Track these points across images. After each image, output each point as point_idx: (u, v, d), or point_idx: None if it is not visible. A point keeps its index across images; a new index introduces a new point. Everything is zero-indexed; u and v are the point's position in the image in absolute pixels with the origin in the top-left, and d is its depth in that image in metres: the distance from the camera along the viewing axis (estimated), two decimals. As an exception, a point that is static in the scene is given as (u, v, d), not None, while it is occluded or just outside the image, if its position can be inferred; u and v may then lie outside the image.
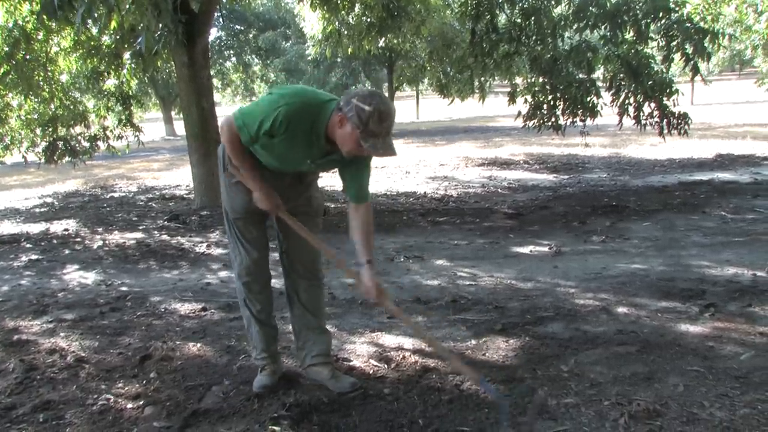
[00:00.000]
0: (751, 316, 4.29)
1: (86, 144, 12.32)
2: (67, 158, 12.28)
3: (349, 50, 12.68)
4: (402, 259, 6.42)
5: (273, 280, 3.61)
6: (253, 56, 36.97)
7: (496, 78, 14.52)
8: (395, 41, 14.11)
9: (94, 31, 10.36)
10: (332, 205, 9.81)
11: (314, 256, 3.51)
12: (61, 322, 4.86)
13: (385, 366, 3.69)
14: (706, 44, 8.44)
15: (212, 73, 14.93)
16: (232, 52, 36.30)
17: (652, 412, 3.01)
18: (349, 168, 3.14)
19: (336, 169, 3.24)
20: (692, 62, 8.59)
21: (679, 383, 3.31)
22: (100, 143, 12.47)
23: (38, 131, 12.04)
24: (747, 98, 34.70)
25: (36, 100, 11.52)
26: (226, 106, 41.03)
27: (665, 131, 9.40)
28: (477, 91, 17.15)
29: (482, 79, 14.14)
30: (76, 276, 6.38)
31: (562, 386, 3.35)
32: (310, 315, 3.55)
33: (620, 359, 3.67)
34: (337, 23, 12.29)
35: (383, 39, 12.98)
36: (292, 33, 34.99)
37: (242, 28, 35.85)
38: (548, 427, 2.94)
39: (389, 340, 4.16)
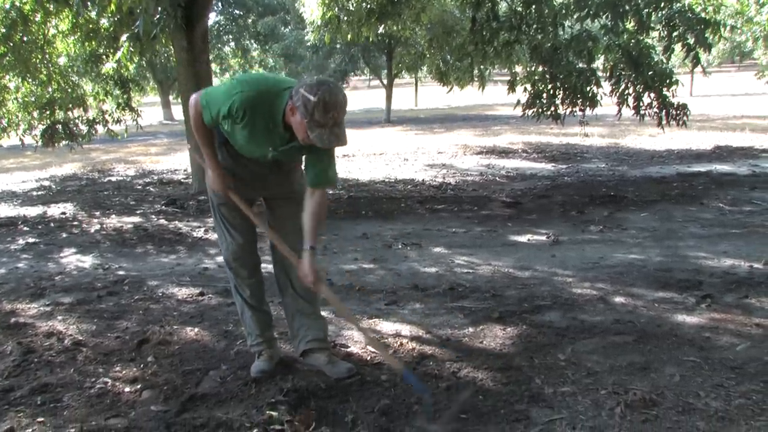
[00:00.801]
0: (748, 308, 4.30)
1: (84, 127, 12.28)
2: (64, 142, 12.24)
3: (348, 36, 12.63)
4: (400, 247, 6.42)
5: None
6: (252, 41, 36.78)
7: (495, 66, 14.48)
8: (395, 28, 14.05)
9: (93, 13, 10.30)
10: (330, 192, 9.79)
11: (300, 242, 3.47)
12: (59, 305, 4.86)
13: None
14: (707, 35, 8.41)
15: (211, 57, 14.88)
16: (230, 37, 36.12)
17: (648, 401, 3.02)
18: (312, 154, 3.14)
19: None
20: (693, 53, 8.57)
21: (676, 373, 3.32)
22: (98, 127, 12.44)
23: (35, 114, 11.99)
24: (746, 90, 34.68)
25: (33, 82, 11.47)
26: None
27: (664, 122, 9.39)
28: (476, 79, 17.13)
29: (482, 67, 14.12)
30: (73, 260, 6.37)
31: (559, 375, 3.36)
32: (304, 301, 3.53)
33: (617, 349, 3.68)
34: (336, 9, 12.23)
35: (383, 26, 12.92)
36: (292, 18, 34.79)
37: (241, 12, 35.67)
38: (545, 415, 2.95)
39: (387, 326, 4.16)
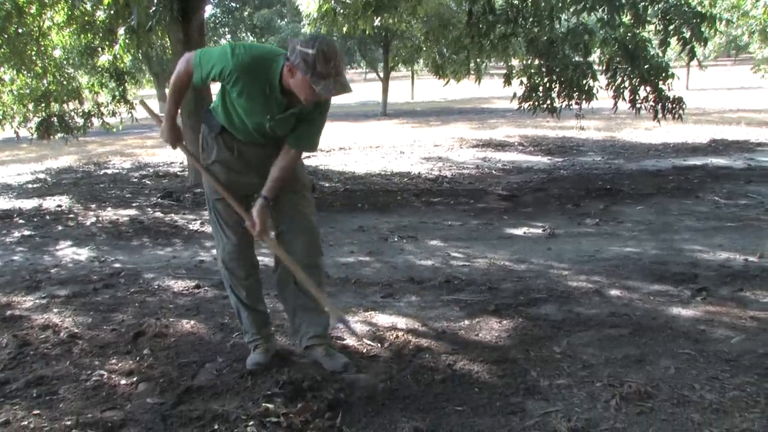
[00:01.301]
0: (742, 301, 4.32)
1: (80, 120, 12.25)
2: (60, 134, 12.21)
3: (344, 29, 12.60)
4: (396, 239, 6.43)
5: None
6: (248, 34, 36.73)
7: (492, 59, 14.47)
8: (391, 21, 14.02)
9: (88, 5, 10.27)
10: (326, 184, 9.81)
11: (311, 236, 3.43)
12: (54, 298, 4.86)
13: (379, 345, 3.70)
14: (703, 29, 8.42)
15: (207, 50, 14.83)
16: (227, 29, 36.08)
17: (644, 393, 3.03)
18: (304, 119, 3.15)
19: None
20: (689, 46, 8.58)
21: (671, 366, 3.34)
22: (93, 119, 12.40)
23: (30, 107, 11.94)
24: (742, 84, 34.72)
25: (28, 75, 11.42)
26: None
27: (660, 115, 9.40)
28: (473, 72, 17.11)
29: (478, 60, 14.11)
30: (69, 252, 6.37)
31: (555, 367, 3.37)
32: (306, 297, 3.48)
33: (612, 341, 3.69)
34: (332, 1, 12.20)
35: (379, 18, 12.89)
36: (288, 11, 34.79)
37: (237, 5, 35.62)
38: (540, 407, 2.96)
39: (383, 319, 4.17)
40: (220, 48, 3.09)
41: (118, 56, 10.86)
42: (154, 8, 8.60)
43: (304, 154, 3.51)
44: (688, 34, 8.49)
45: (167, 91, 3.37)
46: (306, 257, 3.40)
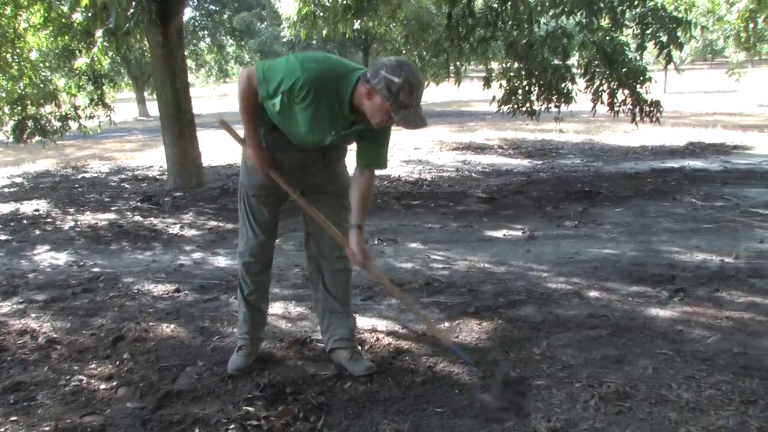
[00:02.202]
0: (719, 301, 4.38)
1: (57, 123, 12.13)
2: (37, 137, 12.09)
3: (324, 32, 12.59)
4: (376, 242, 6.43)
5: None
6: (228, 37, 36.54)
7: (471, 62, 14.50)
8: (371, 24, 14.04)
9: (65, 7, 10.20)
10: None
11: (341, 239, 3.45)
12: (32, 303, 4.82)
13: (359, 348, 3.70)
14: (679, 33, 8.51)
15: (186, 53, 14.76)
16: (206, 32, 35.86)
17: (622, 393, 3.06)
18: (369, 138, 3.09)
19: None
20: (666, 51, 8.67)
21: (649, 366, 3.37)
22: (71, 123, 12.29)
23: (6, 109, 11.81)
24: (718, 88, 35.04)
25: (4, 77, 11.32)
26: (200, 87, 40.64)
27: (638, 118, 9.47)
28: (452, 75, 17.13)
29: (458, 63, 14.13)
30: (47, 257, 6.31)
31: (534, 368, 3.39)
32: (334, 299, 3.52)
33: (591, 342, 3.72)
34: (312, 5, 12.20)
35: (359, 21, 12.90)
36: (267, 14, 34.64)
37: (217, 8, 35.41)
38: (520, 408, 2.97)
39: (363, 322, 4.17)
40: (284, 60, 2.99)
41: (96, 59, 10.79)
42: (132, 10, 8.55)
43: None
44: (664, 39, 8.58)
45: (240, 112, 3.18)
46: (335, 262, 3.45)
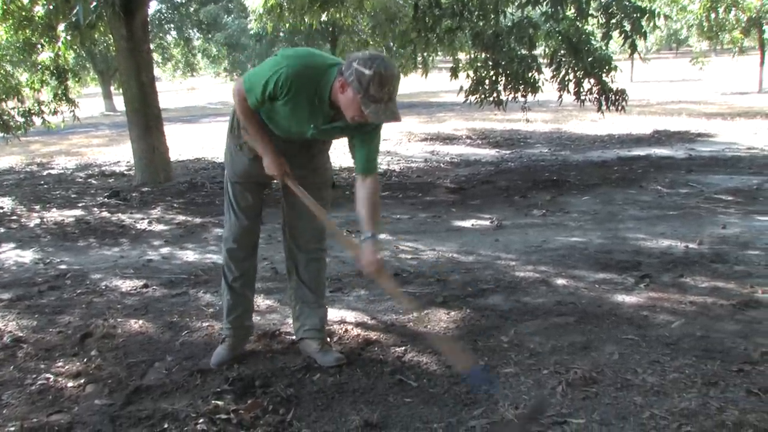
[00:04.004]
0: (683, 286, 4.45)
1: (20, 119, 11.92)
2: (-1, 134, 11.89)
3: (288, 24, 12.51)
4: (344, 234, 6.41)
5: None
6: (194, 30, 36.20)
7: (439, 53, 14.51)
8: (338, 16, 13.97)
9: (25, 0, 10.03)
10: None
11: (316, 230, 3.44)
12: (-3, 301, 4.76)
13: (328, 339, 3.71)
14: (642, 23, 8.59)
15: (152, 47, 14.61)
16: (172, 25, 35.50)
17: (589, 379, 3.11)
18: (357, 137, 3.07)
19: (346, 139, 3.17)
20: (630, 40, 8.75)
21: (615, 351, 3.42)
22: (34, 118, 12.08)
23: (-34, 105, 11.60)
24: (683, 76, 35.46)
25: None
26: (167, 81, 40.22)
27: (604, 107, 9.56)
28: (420, 66, 17.14)
29: (425, 54, 14.13)
30: (12, 255, 6.23)
31: (502, 356, 3.43)
32: (307, 289, 3.53)
33: (559, 329, 3.77)
34: (278, -3, 12.12)
35: (326, 13, 12.83)
36: (234, 6, 34.35)
37: (182, 1, 35.08)
38: (488, 396, 3.01)
39: (332, 313, 4.16)
40: (269, 62, 2.96)
41: (60, 53, 10.62)
42: (95, 3, 8.43)
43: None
44: (629, 28, 8.65)
45: (246, 126, 3.17)
46: (309, 252, 3.48)
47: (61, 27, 9.09)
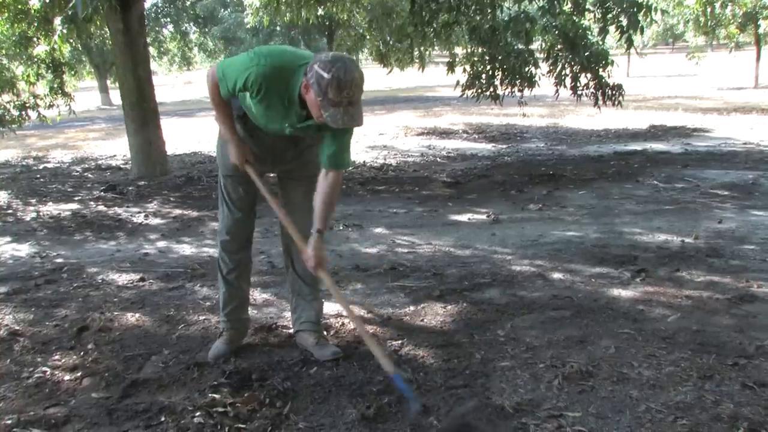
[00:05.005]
0: (679, 281, 4.46)
1: (16, 112, 11.88)
2: (-5, 127, 11.85)
3: (286, 18, 12.50)
4: (341, 228, 6.44)
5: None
6: (191, 24, 36.12)
7: (435, 47, 14.51)
8: (334, 10, 13.97)
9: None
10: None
11: (311, 224, 3.39)
12: (-7, 295, 4.75)
13: (325, 333, 3.71)
14: (639, 18, 8.59)
15: (148, 41, 14.57)
16: (168, 19, 35.41)
17: (585, 373, 3.11)
18: (329, 133, 3.05)
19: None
20: (626, 35, 8.75)
21: (611, 345, 3.43)
22: (30, 112, 12.05)
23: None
24: (679, 71, 35.49)
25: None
26: (163, 75, 40.15)
27: (600, 102, 9.58)
28: (417, 60, 17.14)
29: (422, 48, 14.14)
30: (8, 249, 6.21)
31: (499, 350, 3.44)
32: (302, 282, 3.54)
33: (555, 323, 3.78)
34: (275, -9, 12.11)
35: (322, 7, 12.84)
36: (230, 0, 34.32)
37: (179, -6, 34.98)
38: (485, 389, 3.02)
39: (328, 307, 4.16)
40: (243, 57, 2.98)
41: (56, 47, 10.59)
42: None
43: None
44: (625, 23, 8.66)
45: (213, 110, 3.26)
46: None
47: (57, 20, 9.08)
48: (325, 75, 2.68)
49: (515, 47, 9.41)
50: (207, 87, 3.16)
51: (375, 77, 43.92)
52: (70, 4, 7.68)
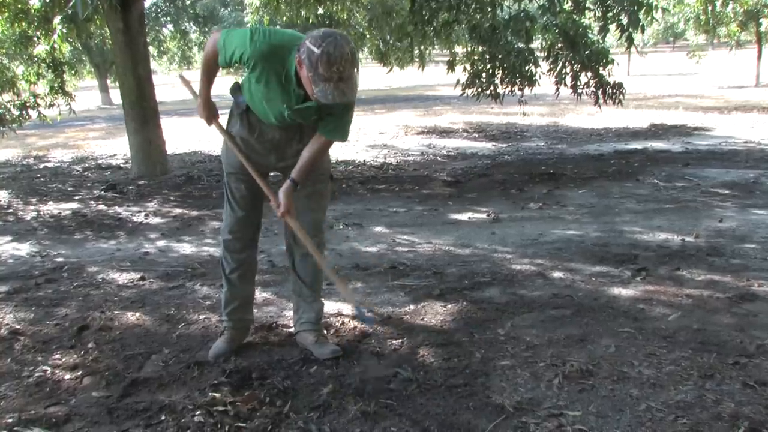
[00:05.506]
0: (679, 279, 4.46)
1: (16, 112, 11.87)
2: (-5, 127, 11.84)
3: (284, 18, 12.48)
4: (341, 227, 6.44)
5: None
6: (191, 23, 36.11)
7: (435, 46, 14.49)
8: (334, 9, 13.95)
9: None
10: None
11: (312, 225, 3.42)
12: (-6, 294, 4.75)
13: (325, 332, 3.71)
14: (640, 16, 8.59)
15: (148, 40, 14.56)
16: (168, 18, 35.39)
17: (585, 371, 3.11)
18: (328, 114, 3.07)
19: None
20: (627, 33, 8.75)
21: (611, 344, 3.43)
22: (30, 111, 12.04)
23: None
24: (680, 70, 35.50)
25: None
26: (163, 75, 40.11)
27: (601, 100, 9.58)
28: (417, 59, 17.13)
29: (422, 47, 14.13)
30: (8, 248, 6.21)
31: (499, 349, 3.43)
32: (303, 283, 3.54)
33: (555, 322, 3.77)
34: (275, -10, 12.09)
35: (322, 6, 12.82)
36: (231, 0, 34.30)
37: (179, -7, 34.96)
38: (485, 388, 3.02)
39: (329, 306, 4.17)
40: (243, 31, 3.00)
41: (56, 46, 10.58)
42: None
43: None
44: (625, 21, 8.66)
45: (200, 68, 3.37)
46: (304, 246, 3.42)
47: (57, 19, 9.06)
48: (315, 50, 2.68)
49: (515, 46, 9.41)
50: (205, 49, 3.22)
51: (375, 76, 43.95)
52: (70, 4, 7.68)
